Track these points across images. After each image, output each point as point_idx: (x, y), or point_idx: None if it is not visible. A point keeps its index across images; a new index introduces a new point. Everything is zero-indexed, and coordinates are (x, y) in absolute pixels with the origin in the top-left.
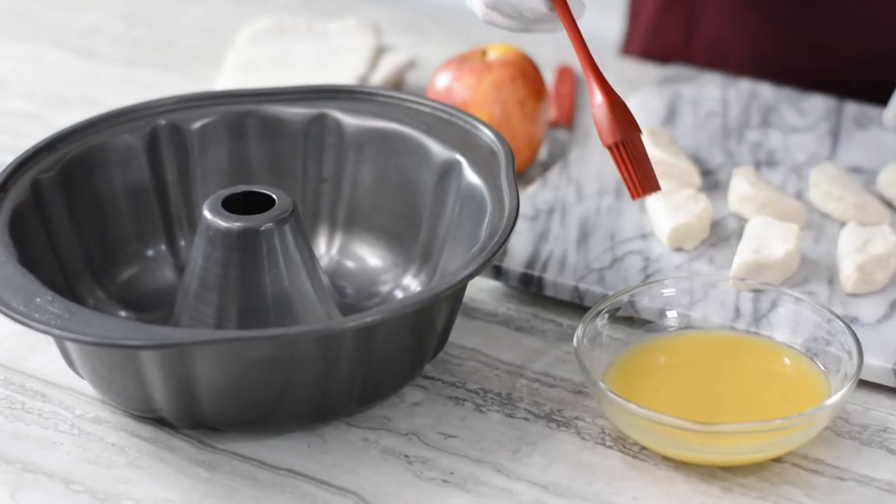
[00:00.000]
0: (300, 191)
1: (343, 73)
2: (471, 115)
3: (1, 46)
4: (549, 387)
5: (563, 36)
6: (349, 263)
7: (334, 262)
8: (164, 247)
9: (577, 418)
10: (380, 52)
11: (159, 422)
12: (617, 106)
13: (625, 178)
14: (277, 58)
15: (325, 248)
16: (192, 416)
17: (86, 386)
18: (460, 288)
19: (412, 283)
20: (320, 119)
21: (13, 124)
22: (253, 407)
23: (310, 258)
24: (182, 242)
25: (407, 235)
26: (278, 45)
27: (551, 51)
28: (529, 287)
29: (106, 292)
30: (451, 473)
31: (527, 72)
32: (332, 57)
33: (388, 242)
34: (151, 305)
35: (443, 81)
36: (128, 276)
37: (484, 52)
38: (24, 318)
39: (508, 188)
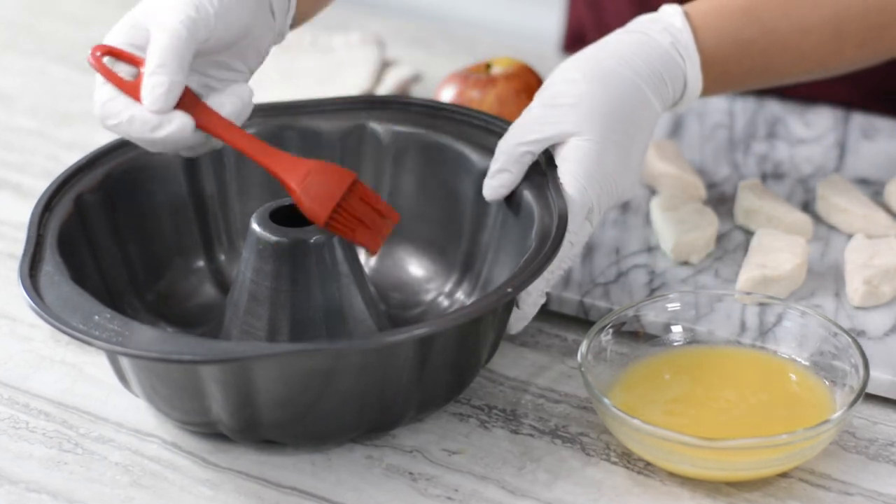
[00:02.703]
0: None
1: (348, 88)
2: (507, 122)
3: (6, 62)
4: (554, 402)
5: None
6: (392, 273)
7: (376, 272)
8: (203, 262)
9: (582, 434)
10: (384, 65)
11: (217, 436)
12: (310, 187)
13: (354, 241)
14: (282, 73)
15: (365, 258)
16: (252, 429)
17: (90, 405)
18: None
19: (456, 292)
20: (358, 130)
21: (18, 140)
22: (312, 419)
23: (358, 269)
24: (221, 257)
25: (449, 244)
26: (283, 60)
27: (555, 64)
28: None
29: (149, 308)
30: (456, 490)
31: (531, 85)
32: (336, 71)
33: (429, 251)
34: (194, 321)
35: (447, 95)
36: (169, 292)
37: (488, 66)
38: (85, 335)
39: (555, 194)
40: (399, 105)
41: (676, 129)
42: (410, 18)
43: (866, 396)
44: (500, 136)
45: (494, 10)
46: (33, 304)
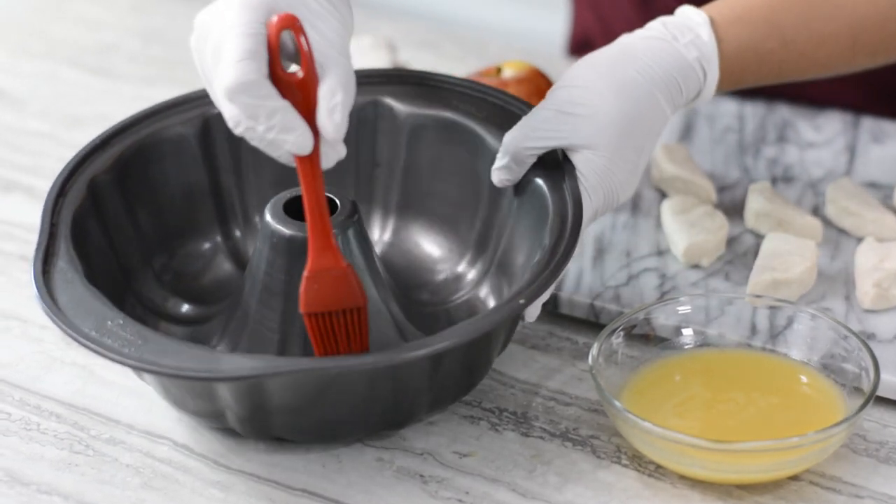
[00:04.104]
0: (353, 176)
1: None
2: (524, 102)
3: (17, 65)
4: (564, 405)
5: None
6: (404, 249)
7: (388, 247)
8: (219, 238)
9: (592, 437)
10: (396, 68)
11: (229, 438)
12: (318, 280)
13: (312, 340)
14: None
15: (379, 233)
16: (263, 429)
17: (101, 406)
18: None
19: (468, 272)
20: (373, 105)
21: (30, 144)
22: (323, 420)
23: (372, 259)
24: (237, 233)
25: (462, 223)
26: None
27: (564, 67)
28: (545, 305)
29: (166, 287)
30: (466, 493)
31: (542, 88)
32: None
33: (442, 229)
34: (211, 297)
35: None
36: (185, 269)
37: (499, 69)
38: (97, 345)
39: (570, 187)
40: (416, 80)
41: (687, 133)
42: (421, 21)
43: (877, 399)
44: (516, 116)
45: (503, 13)
46: (47, 309)
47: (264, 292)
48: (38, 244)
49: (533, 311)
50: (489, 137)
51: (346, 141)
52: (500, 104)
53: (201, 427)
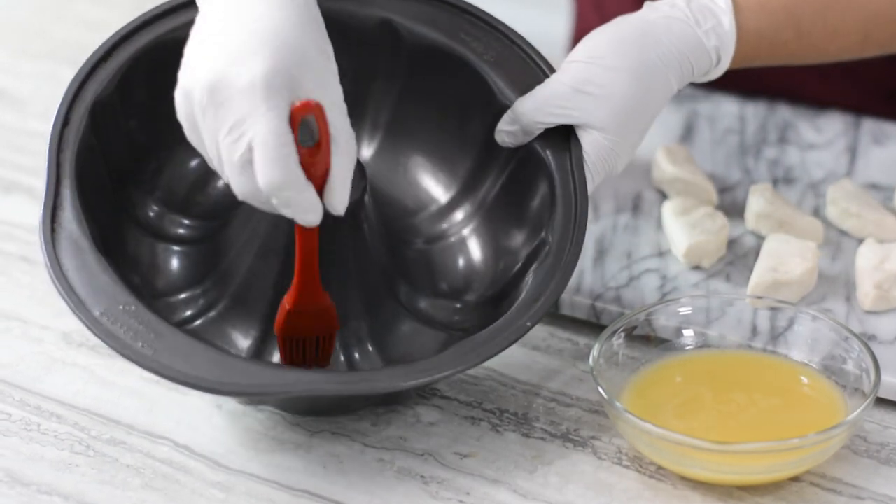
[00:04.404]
0: (347, 86)
1: None
2: (530, 46)
3: (19, 66)
4: (565, 406)
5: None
6: (389, 171)
7: (372, 165)
8: None
9: (593, 438)
10: None
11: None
12: (297, 315)
13: (280, 351)
14: None
15: (363, 148)
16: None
17: (101, 407)
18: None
19: (455, 211)
20: (381, 24)
21: (31, 144)
22: (321, 404)
23: (378, 232)
24: None
25: (453, 157)
26: None
27: None
28: None
29: (159, 201)
30: (467, 494)
31: None
32: None
33: (432, 159)
34: (207, 213)
35: None
36: (178, 183)
37: None
38: (106, 336)
39: (578, 178)
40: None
41: (688, 134)
42: None
43: (877, 401)
44: (523, 62)
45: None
46: (61, 290)
47: (263, 247)
48: (46, 198)
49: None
50: (494, 85)
51: (350, 54)
52: (508, 44)
53: (202, 427)
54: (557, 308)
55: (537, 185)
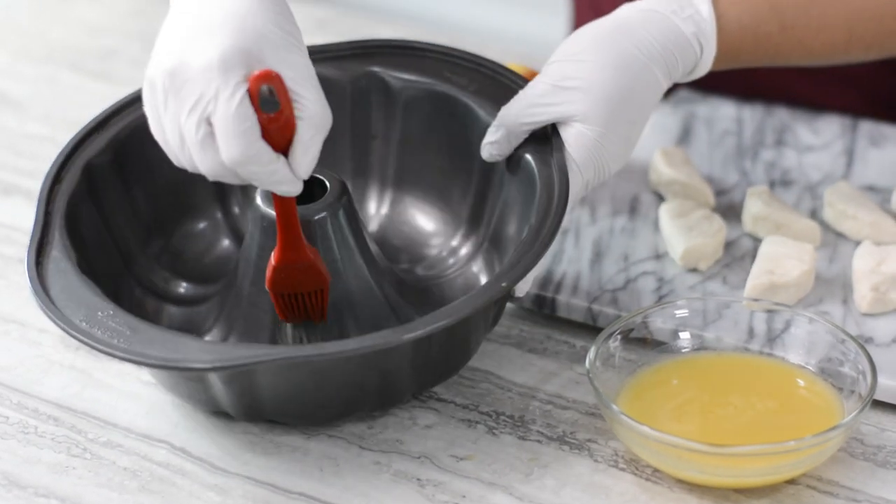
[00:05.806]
0: (349, 149)
1: None
2: (515, 74)
3: (18, 69)
4: (562, 409)
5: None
6: (400, 223)
7: (386, 220)
8: (219, 215)
9: (590, 440)
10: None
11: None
12: (284, 270)
13: (276, 308)
14: None
15: (376, 207)
16: (255, 414)
17: (98, 410)
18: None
19: (462, 247)
20: (367, 77)
21: (30, 147)
22: (313, 403)
23: (363, 239)
24: (236, 210)
25: (456, 196)
26: None
27: None
28: (543, 308)
29: (165, 268)
30: (463, 497)
31: None
32: None
33: (437, 202)
34: (212, 276)
35: None
36: (186, 249)
37: None
38: (86, 337)
39: (558, 162)
40: (407, 50)
41: (685, 137)
42: (423, 25)
43: (874, 403)
44: (507, 87)
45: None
46: (40, 302)
47: (257, 274)
48: (32, 235)
49: (523, 287)
50: (480, 111)
51: (342, 113)
52: (491, 75)
53: (199, 430)
54: (554, 310)
55: (531, 196)
